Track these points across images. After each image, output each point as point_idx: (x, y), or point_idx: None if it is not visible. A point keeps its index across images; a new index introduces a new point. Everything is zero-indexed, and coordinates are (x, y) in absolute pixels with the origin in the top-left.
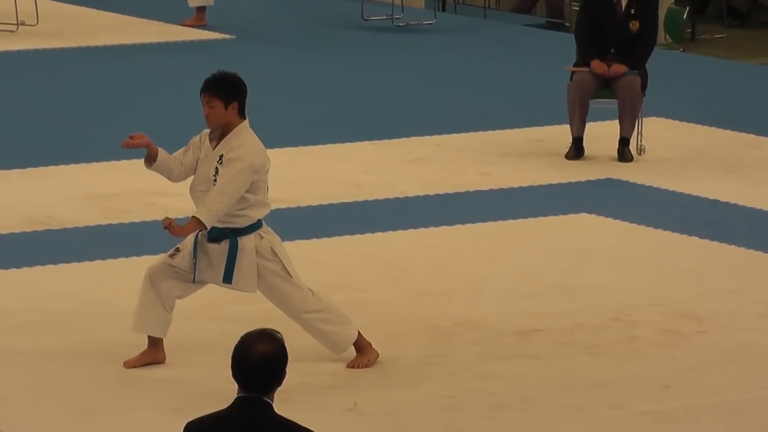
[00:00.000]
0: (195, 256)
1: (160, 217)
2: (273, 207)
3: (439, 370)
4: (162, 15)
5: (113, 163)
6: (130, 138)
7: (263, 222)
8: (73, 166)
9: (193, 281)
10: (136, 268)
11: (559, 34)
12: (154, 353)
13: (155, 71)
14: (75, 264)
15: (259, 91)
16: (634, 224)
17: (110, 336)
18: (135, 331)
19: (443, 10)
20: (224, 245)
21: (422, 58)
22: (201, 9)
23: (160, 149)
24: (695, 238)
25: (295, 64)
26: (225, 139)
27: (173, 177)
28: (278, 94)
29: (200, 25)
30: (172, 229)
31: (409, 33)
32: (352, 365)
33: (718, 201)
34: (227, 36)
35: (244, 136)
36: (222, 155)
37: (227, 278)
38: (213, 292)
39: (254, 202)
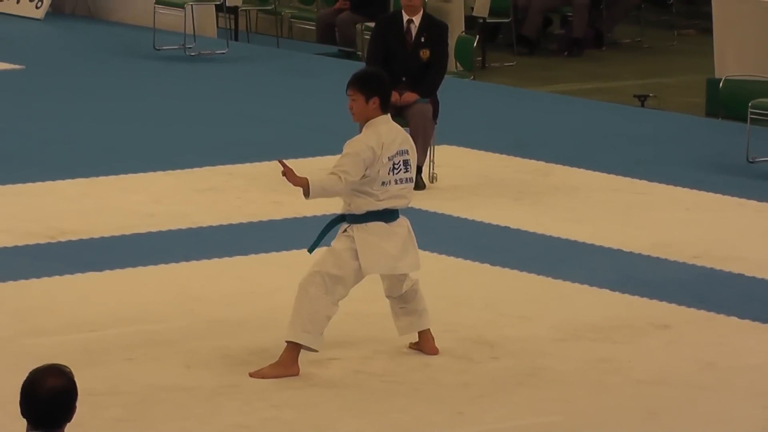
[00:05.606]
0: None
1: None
2: (64, 239)
3: (234, 400)
4: None
5: None
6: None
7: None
8: None
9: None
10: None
11: (351, 63)
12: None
13: None
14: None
15: (49, 121)
16: (426, 251)
17: None
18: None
19: (236, 39)
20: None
21: (215, 88)
22: None
23: None
24: (487, 265)
25: (85, 94)
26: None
27: None
28: (69, 124)
29: None
30: (288, 172)
31: (202, 62)
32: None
33: (509, 228)
34: (16, 66)
35: (368, 132)
36: None
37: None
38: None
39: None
